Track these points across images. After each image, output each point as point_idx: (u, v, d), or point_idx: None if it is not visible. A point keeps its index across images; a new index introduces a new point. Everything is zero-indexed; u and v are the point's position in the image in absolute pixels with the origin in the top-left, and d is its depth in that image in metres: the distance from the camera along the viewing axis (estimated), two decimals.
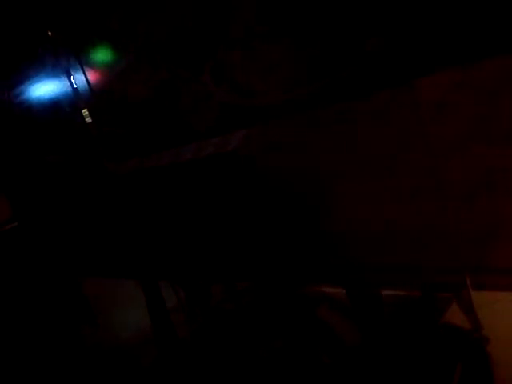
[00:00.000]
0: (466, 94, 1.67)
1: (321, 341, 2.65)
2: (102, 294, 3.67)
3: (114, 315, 3.53)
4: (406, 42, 1.72)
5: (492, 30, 1.55)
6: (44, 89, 3.29)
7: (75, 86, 3.00)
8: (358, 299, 2.46)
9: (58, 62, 3.07)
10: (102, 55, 2.83)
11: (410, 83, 1.75)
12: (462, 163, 1.77)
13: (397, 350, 2.34)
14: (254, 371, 2.68)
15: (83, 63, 2.92)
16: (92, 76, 2.92)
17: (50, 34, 3.08)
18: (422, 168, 1.84)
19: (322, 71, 1.93)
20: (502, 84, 1.60)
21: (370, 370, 2.36)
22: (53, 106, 3.26)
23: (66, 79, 3.04)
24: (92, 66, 2.90)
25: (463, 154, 1.74)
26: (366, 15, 1.75)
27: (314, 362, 2.59)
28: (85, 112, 3.00)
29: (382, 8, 1.72)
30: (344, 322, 2.66)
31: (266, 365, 2.69)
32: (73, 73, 2.99)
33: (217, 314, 3.16)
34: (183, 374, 2.95)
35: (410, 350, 2.32)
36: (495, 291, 1.95)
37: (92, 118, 2.99)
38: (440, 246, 1.90)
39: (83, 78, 2.94)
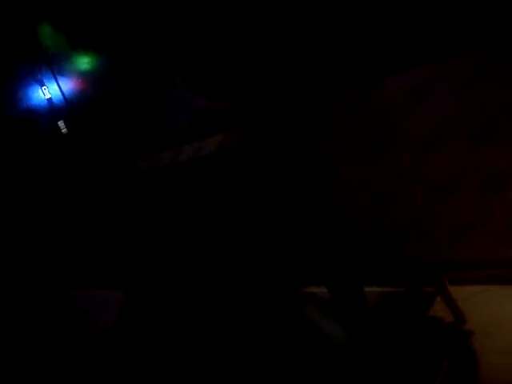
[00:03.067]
0: (436, 87, 1.68)
1: (309, 340, 2.65)
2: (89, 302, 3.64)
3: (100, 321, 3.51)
4: (377, 41, 1.73)
5: (455, 28, 1.56)
6: (19, 100, 3.25)
7: (50, 97, 2.97)
8: (342, 298, 2.47)
9: (32, 73, 3.04)
10: (75, 66, 2.80)
11: (379, 81, 1.76)
12: (435, 158, 1.78)
13: (384, 346, 2.35)
14: (244, 371, 2.68)
15: (57, 74, 2.89)
16: (66, 86, 2.89)
17: (24, 43, 3.04)
18: (396, 164, 1.85)
19: (292, 74, 1.92)
20: (469, 78, 1.61)
21: (358, 365, 2.36)
22: (29, 117, 3.22)
23: (40, 90, 3.00)
24: (66, 76, 2.86)
25: (435, 149, 1.75)
26: (335, 20, 1.76)
27: (302, 361, 2.59)
28: (60, 123, 2.96)
29: (353, 12, 1.72)
30: (331, 321, 2.66)
31: (256, 364, 2.69)
32: (47, 84, 2.95)
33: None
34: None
35: (397, 345, 2.33)
36: (475, 284, 1.97)
37: (68, 128, 2.95)
38: (416, 242, 1.91)
39: (57, 88, 2.91)
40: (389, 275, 2.15)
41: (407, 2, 1.64)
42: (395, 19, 1.68)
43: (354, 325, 2.51)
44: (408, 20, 1.66)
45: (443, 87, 1.67)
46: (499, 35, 1.51)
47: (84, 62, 2.75)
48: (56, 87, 2.93)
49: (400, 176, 1.87)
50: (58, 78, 2.91)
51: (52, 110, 3.01)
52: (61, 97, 2.93)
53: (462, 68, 1.62)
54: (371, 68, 1.79)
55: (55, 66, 2.89)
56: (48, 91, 2.98)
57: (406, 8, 1.65)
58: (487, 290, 1.98)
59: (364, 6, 1.72)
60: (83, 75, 2.78)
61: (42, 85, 3.00)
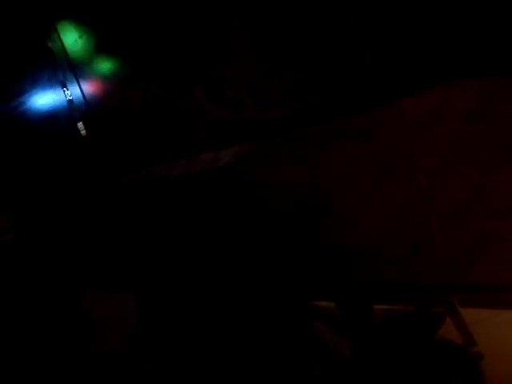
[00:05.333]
0: (452, 111, 1.68)
1: (316, 355, 2.65)
2: (100, 306, 3.66)
3: (111, 328, 3.53)
4: (393, 61, 1.73)
5: (474, 51, 1.57)
6: (41, 101, 3.31)
7: (71, 99, 3.02)
8: (349, 314, 2.46)
9: (55, 74, 3.09)
10: (97, 69, 2.85)
11: (396, 102, 1.76)
12: (449, 182, 1.78)
13: (391, 365, 2.33)
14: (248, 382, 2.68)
15: (79, 76, 2.94)
16: (88, 89, 2.94)
17: (48, 45, 3.09)
18: (410, 186, 1.85)
19: (311, 89, 1.94)
20: (485, 104, 1.61)
21: (364, 382, 2.35)
22: (49, 118, 3.27)
23: (61, 92, 3.06)
24: (88, 79, 2.91)
25: (450, 174, 1.75)
26: (356, 36, 1.77)
27: (309, 375, 2.59)
28: (80, 125, 3.01)
29: (371, 30, 1.73)
30: (339, 336, 2.65)
31: (261, 378, 2.68)
32: (68, 85, 3.01)
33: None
34: None
35: (404, 365, 2.31)
36: (487, 308, 1.96)
37: (87, 131, 3.00)
38: (427, 264, 1.90)
39: (79, 91, 2.96)
40: (399, 294, 2.14)
41: (426, 22, 1.64)
42: (413, 38, 1.69)
43: (362, 342, 2.50)
44: (426, 39, 1.66)
45: (459, 110, 1.67)
46: None
47: (107, 67, 2.79)
48: (78, 89, 2.98)
49: (414, 199, 1.87)
50: (80, 80, 2.96)
51: (72, 112, 3.06)
52: (82, 99, 2.98)
53: (478, 92, 1.62)
54: (386, 88, 1.80)
55: (78, 69, 2.94)
56: (69, 93, 3.04)
57: (425, 28, 1.65)
58: (498, 313, 1.97)
59: (380, 26, 1.73)
60: (105, 79, 2.82)
61: (64, 86, 3.05)
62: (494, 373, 2.10)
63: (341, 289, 2.28)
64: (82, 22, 2.82)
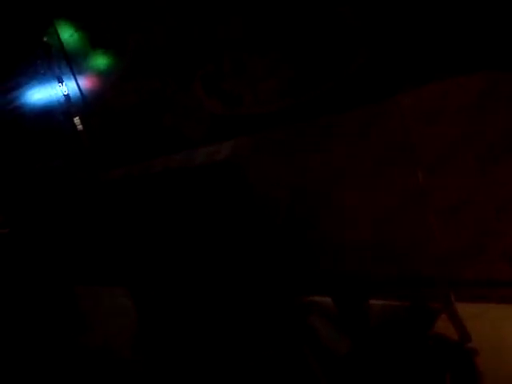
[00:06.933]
0: (450, 106, 1.68)
1: (312, 349, 2.65)
2: (93, 300, 3.66)
3: (104, 320, 3.52)
4: (391, 57, 1.74)
5: (471, 47, 1.57)
6: (37, 96, 3.29)
7: (67, 94, 3.01)
8: (345, 309, 2.46)
9: (51, 68, 3.08)
10: (94, 63, 2.84)
11: (393, 98, 1.76)
12: (448, 178, 1.78)
13: (386, 359, 2.34)
14: (245, 379, 2.68)
15: (75, 71, 2.93)
16: (84, 84, 2.93)
17: (44, 39, 3.07)
18: (408, 182, 1.86)
19: (309, 84, 1.94)
20: (482, 99, 1.62)
21: (359, 378, 2.36)
22: (45, 113, 3.26)
23: (58, 86, 3.05)
24: (84, 74, 2.90)
25: (448, 169, 1.75)
26: (353, 31, 1.77)
27: (303, 369, 2.59)
28: (76, 120, 3.00)
29: (369, 24, 1.74)
30: (334, 331, 2.65)
31: (258, 372, 2.68)
32: (65, 80, 3.00)
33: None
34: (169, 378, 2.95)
35: (399, 360, 2.32)
36: (482, 303, 1.97)
37: (83, 126, 2.99)
38: (425, 260, 1.91)
39: (75, 85, 2.95)
40: (395, 289, 2.15)
41: (424, 17, 1.65)
42: (409, 33, 1.69)
43: (358, 336, 2.50)
44: (424, 36, 1.67)
45: (456, 105, 1.67)
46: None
47: (103, 61, 2.78)
48: (74, 84, 2.97)
49: (412, 195, 1.88)
50: (77, 75, 2.94)
51: (69, 107, 3.05)
52: (78, 94, 2.96)
53: (475, 86, 1.63)
54: (383, 84, 1.80)
55: (74, 63, 2.93)
56: (66, 88, 3.02)
57: (422, 23, 1.66)
58: (493, 308, 1.98)
59: (377, 20, 1.73)
60: (102, 74, 2.81)
61: (60, 81, 3.04)
62: (489, 368, 2.11)
63: (337, 283, 2.29)
64: (78, 16, 2.81)
